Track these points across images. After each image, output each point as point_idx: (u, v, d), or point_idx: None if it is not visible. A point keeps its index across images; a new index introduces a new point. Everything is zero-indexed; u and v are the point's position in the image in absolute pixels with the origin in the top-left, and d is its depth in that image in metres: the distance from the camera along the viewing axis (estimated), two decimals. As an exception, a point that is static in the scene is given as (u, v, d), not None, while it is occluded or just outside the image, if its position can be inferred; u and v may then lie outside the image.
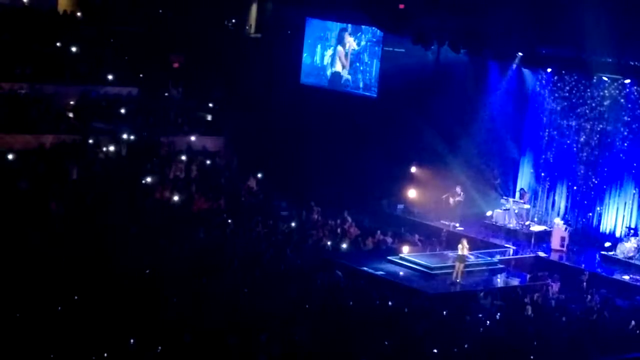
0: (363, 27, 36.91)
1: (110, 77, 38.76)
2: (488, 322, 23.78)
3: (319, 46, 38.50)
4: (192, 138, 37.24)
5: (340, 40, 37.70)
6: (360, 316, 22.60)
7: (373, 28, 36.37)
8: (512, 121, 34.30)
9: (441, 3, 32.48)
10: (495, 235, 32.32)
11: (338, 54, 37.82)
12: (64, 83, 37.65)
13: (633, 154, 31.61)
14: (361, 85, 37.15)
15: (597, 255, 30.85)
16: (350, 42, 37.47)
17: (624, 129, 31.76)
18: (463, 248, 27.82)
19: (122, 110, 37.56)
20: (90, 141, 34.99)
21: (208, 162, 36.53)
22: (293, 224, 30.84)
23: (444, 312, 23.93)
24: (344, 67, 37.75)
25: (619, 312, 25.61)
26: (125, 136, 35.75)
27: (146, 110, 38.31)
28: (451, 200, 32.90)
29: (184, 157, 35.60)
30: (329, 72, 38.21)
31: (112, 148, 35.13)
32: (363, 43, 37.07)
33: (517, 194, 33.63)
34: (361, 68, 37.15)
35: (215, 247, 27.42)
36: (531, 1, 31.02)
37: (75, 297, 21.49)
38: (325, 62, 38.37)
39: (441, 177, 33.85)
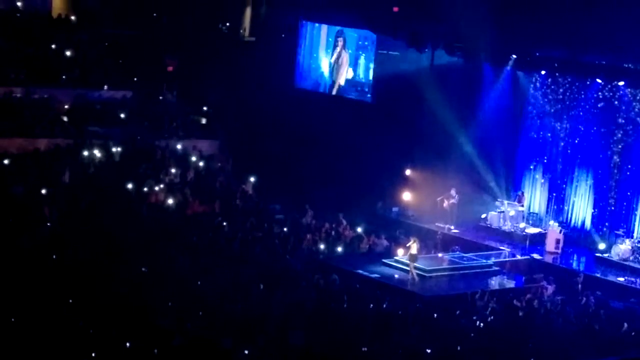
0: (357, 31, 36.91)
1: (104, 80, 38.71)
2: (483, 324, 23.79)
3: (311, 50, 38.47)
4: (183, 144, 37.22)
5: (335, 45, 37.65)
6: (355, 319, 22.60)
7: (367, 32, 36.38)
8: (506, 123, 34.26)
9: (435, 6, 32.47)
10: (490, 238, 32.34)
11: (331, 59, 37.78)
12: (58, 87, 37.68)
13: (627, 156, 31.64)
14: (355, 92, 37.16)
15: (592, 258, 30.89)
16: (344, 47, 37.42)
17: (617, 131, 31.79)
18: (412, 247, 27.93)
19: (117, 114, 37.52)
20: (85, 145, 34.93)
21: (202, 165, 36.50)
22: (287, 228, 30.80)
23: (439, 315, 23.93)
24: (337, 72, 37.68)
25: (614, 314, 25.61)
26: (119, 140, 35.70)
27: (141, 114, 38.28)
28: (446, 202, 32.89)
29: (178, 161, 35.57)
30: (321, 77, 38.16)
31: (106, 152, 35.07)
32: (355, 47, 37.11)
33: (516, 197, 33.61)
34: (355, 73, 37.13)
35: (210, 250, 27.40)
36: (525, 4, 31.09)
37: (70, 301, 21.48)
38: (319, 67, 38.32)
39: (436, 179, 33.83)
